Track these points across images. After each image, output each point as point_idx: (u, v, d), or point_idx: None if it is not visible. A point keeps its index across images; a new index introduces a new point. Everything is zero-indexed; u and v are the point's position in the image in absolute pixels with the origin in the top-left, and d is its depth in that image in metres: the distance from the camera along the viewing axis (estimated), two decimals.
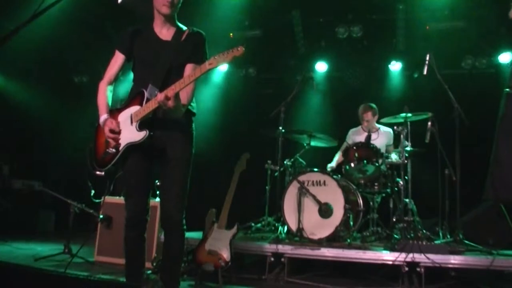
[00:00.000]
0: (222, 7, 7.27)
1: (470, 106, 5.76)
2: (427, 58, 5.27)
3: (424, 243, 4.50)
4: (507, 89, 4.45)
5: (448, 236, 5.16)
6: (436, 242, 4.91)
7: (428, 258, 4.23)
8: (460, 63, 7.83)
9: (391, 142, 6.26)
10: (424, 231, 5.14)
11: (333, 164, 6.30)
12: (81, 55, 8.52)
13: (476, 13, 7.09)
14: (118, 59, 3.25)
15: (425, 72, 5.28)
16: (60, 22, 6.81)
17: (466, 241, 4.87)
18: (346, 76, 8.39)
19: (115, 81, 3.28)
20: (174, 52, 3.12)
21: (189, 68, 3.11)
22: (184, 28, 3.24)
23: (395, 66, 8.18)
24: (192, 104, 3.21)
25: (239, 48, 2.68)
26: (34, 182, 7.93)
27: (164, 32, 3.20)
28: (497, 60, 7.64)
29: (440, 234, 5.24)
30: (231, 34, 8.07)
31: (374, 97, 6.62)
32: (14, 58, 7.46)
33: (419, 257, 4.27)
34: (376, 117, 6.27)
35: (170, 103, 2.85)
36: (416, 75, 8.01)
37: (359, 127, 6.48)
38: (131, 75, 3.29)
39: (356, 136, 6.35)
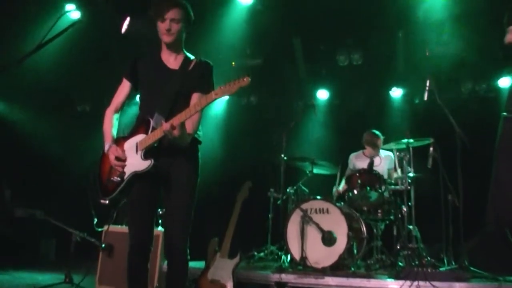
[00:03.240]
0: (224, 36, 7.35)
1: (472, 130, 5.76)
2: (427, 83, 5.30)
3: (429, 270, 4.45)
4: (505, 113, 4.47)
5: (453, 263, 5.10)
6: (441, 269, 4.86)
7: (433, 286, 4.16)
8: (460, 88, 7.87)
9: (393, 165, 6.24)
10: (429, 258, 5.09)
11: (340, 188, 6.17)
12: (84, 84, 8.60)
13: (474, 38, 7.16)
14: (125, 87, 3.27)
15: (425, 98, 5.31)
16: (64, 51, 6.90)
17: (472, 268, 4.81)
18: (347, 103, 8.45)
19: (122, 109, 3.31)
20: (181, 80, 3.13)
21: (195, 97, 3.12)
22: (192, 57, 3.27)
23: (396, 92, 8.24)
24: (198, 132, 3.21)
25: (245, 79, 2.69)
26: (36, 211, 7.91)
27: (172, 61, 3.22)
28: (497, 84, 7.68)
29: (445, 261, 5.18)
30: (233, 62, 8.15)
31: (376, 123, 6.65)
32: (18, 86, 7.54)
33: (424, 284, 4.21)
34: (381, 142, 6.33)
35: (176, 132, 2.86)
36: (417, 101, 8.05)
37: (360, 152, 6.49)
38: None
39: (358, 161, 6.35)
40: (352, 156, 6.53)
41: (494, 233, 5.48)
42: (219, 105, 8.81)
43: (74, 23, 2.84)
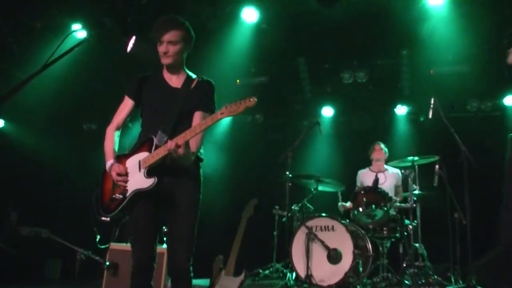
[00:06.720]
0: (229, 54, 7.41)
1: (478, 148, 5.76)
2: (432, 102, 5.32)
3: None
4: None
5: (461, 282, 5.06)
6: None
7: None
8: (465, 106, 7.87)
9: (400, 183, 6.23)
10: (436, 276, 5.05)
11: (346, 204, 6.12)
12: (90, 103, 8.66)
13: (479, 57, 7.19)
14: (127, 104, 3.28)
15: (430, 116, 5.33)
16: (70, 70, 6.97)
17: (480, 287, 4.76)
18: (352, 121, 8.47)
19: (123, 126, 3.31)
20: (184, 99, 3.14)
21: (197, 116, 3.13)
22: (194, 76, 3.28)
23: (401, 110, 8.24)
24: (200, 150, 3.21)
25: (251, 99, 2.69)
26: (41, 229, 7.89)
27: (174, 80, 3.24)
28: (503, 102, 7.67)
29: (452, 280, 5.14)
30: (238, 80, 8.20)
31: (381, 141, 6.64)
32: (24, 106, 7.59)
33: None
34: (386, 155, 6.30)
35: (180, 151, 2.85)
36: (422, 119, 8.05)
37: (367, 168, 6.48)
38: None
39: (365, 177, 6.34)
40: (360, 172, 6.52)
41: (503, 252, 5.43)
42: (225, 121, 8.82)
43: (81, 42, 2.87)
